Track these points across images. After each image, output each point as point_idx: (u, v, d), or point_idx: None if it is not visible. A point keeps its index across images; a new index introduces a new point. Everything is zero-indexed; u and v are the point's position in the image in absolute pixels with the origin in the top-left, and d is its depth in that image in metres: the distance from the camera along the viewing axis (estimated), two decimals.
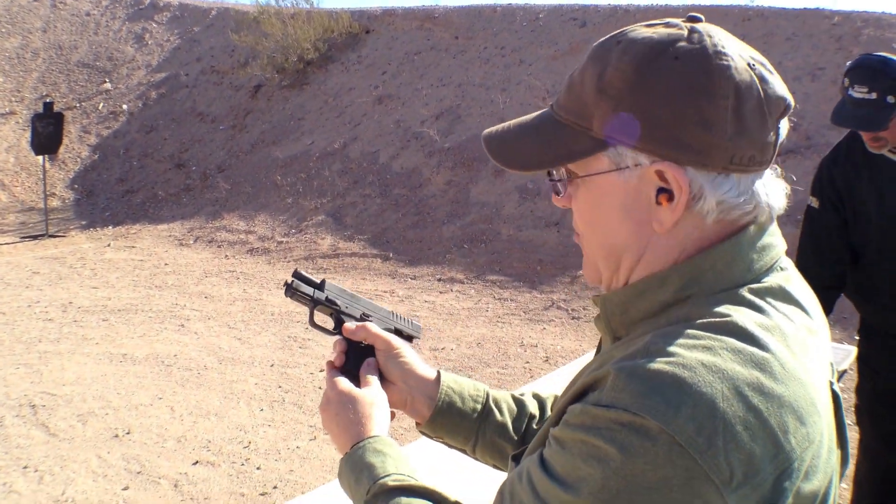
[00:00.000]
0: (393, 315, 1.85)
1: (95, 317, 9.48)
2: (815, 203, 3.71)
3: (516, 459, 1.40)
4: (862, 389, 3.85)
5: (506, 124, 1.37)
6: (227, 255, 12.01)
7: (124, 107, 18.22)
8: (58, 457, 5.95)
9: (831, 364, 1.31)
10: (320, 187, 13.15)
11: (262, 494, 5.43)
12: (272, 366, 7.71)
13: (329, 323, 1.81)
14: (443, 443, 1.76)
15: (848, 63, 3.50)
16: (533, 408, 1.78)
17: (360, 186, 12.78)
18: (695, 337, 1.10)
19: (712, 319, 1.12)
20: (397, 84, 14.72)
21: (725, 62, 1.15)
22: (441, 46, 15.06)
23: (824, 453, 1.13)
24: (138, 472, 5.74)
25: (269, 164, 14.46)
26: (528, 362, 7.40)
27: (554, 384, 3.41)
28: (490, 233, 10.70)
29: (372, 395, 1.64)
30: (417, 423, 1.75)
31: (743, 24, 12.14)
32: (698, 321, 1.13)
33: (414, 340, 1.85)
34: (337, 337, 1.75)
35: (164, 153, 16.49)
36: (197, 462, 5.88)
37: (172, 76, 18.53)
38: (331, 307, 1.80)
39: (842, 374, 4.37)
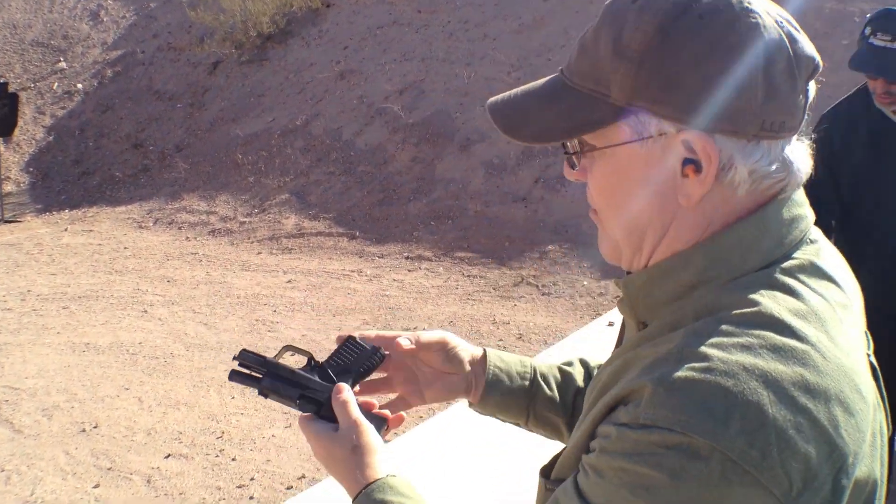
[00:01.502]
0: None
1: (55, 305, 9.25)
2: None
3: (545, 474, 1.28)
4: None
5: (511, 92, 1.27)
6: (188, 237, 11.77)
7: (79, 86, 17.84)
8: (24, 455, 5.78)
9: (866, 334, 1.24)
10: (283, 165, 12.94)
11: (238, 487, 5.29)
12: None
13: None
14: (496, 418, 1.71)
15: (869, 13, 3.54)
16: (580, 379, 1.72)
17: (323, 164, 12.58)
18: (730, 334, 1.02)
19: (745, 310, 1.04)
20: (359, 59, 14.51)
21: (754, 20, 1.07)
22: (404, 20, 14.84)
23: (869, 438, 1.07)
24: (108, 469, 5.58)
25: (230, 142, 14.22)
26: (501, 340, 7.30)
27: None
28: (457, 209, 10.57)
29: (346, 434, 1.46)
30: (470, 402, 1.69)
31: None
32: (730, 314, 1.04)
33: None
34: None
35: (121, 133, 16.16)
36: (169, 455, 5.72)
37: (128, 54, 18.15)
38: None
39: None
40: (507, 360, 1.68)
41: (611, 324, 3.53)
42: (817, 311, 1.06)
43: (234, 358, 1.54)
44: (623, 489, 0.99)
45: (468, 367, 1.64)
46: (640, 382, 1.02)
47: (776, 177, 1.11)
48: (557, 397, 1.67)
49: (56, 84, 18.09)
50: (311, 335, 7.84)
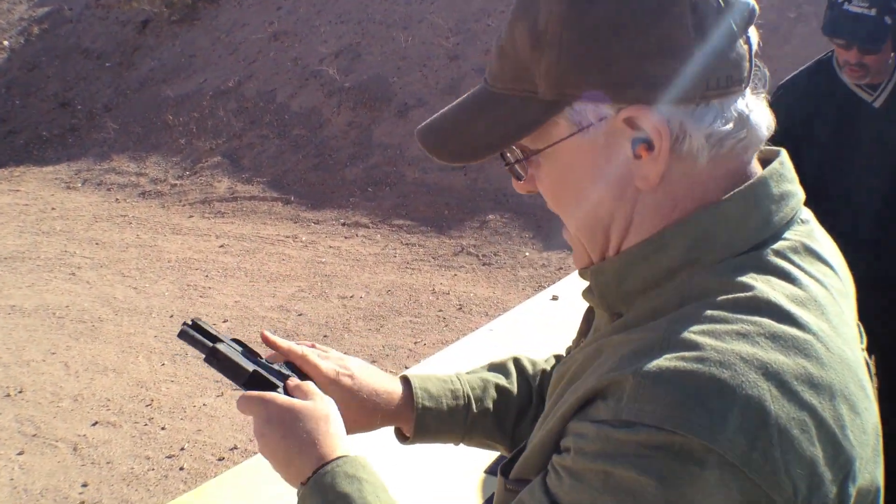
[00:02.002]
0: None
1: None
2: None
3: (505, 472, 1.13)
4: None
5: (438, 114, 1.15)
6: (117, 199, 11.47)
7: (5, 43, 17.31)
8: None
9: (858, 327, 1.12)
10: (215, 127, 12.66)
11: (168, 457, 5.14)
12: (171, 316, 7.36)
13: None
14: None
15: None
16: (519, 394, 1.57)
17: (256, 126, 12.32)
18: (723, 320, 0.91)
19: (737, 295, 0.93)
20: (293, 20, 14.24)
21: None
22: None
23: (872, 440, 0.96)
24: (33, 435, 5.39)
25: (160, 103, 13.87)
26: (441, 310, 7.19)
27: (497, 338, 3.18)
28: (395, 175, 10.40)
29: (322, 406, 1.32)
30: (402, 437, 1.52)
31: None
32: (720, 297, 0.93)
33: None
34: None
35: (48, 92, 15.71)
36: (96, 423, 5.55)
37: (55, 10, 17.64)
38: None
39: None
40: (432, 388, 1.52)
41: (555, 297, 3.43)
42: (817, 298, 0.97)
43: (186, 323, 1.40)
44: (605, 495, 0.87)
45: (368, 401, 1.46)
46: (622, 374, 0.90)
47: (735, 136, 1.00)
48: (495, 427, 1.55)
49: None
50: (244, 301, 7.66)
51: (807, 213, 1.08)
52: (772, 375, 0.86)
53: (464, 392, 1.53)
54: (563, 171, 1.05)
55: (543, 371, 1.61)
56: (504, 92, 1.05)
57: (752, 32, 1.02)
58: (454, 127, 1.11)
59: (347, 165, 10.85)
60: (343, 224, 9.63)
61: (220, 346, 1.37)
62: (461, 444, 1.56)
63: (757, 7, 1.01)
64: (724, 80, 0.97)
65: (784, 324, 0.90)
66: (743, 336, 0.88)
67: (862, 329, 1.14)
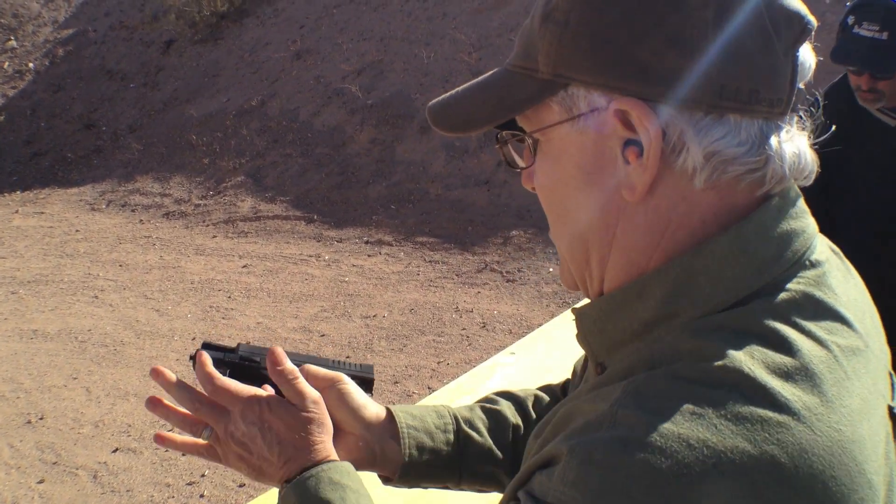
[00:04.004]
0: (336, 362, 1.43)
1: (3, 290, 8.96)
2: None
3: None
4: None
5: (456, 89, 1.07)
6: (141, 220, 11.46)
7: (31, 65, 17.42)
8: None
9: (890, 375, 0.97)
10: (238, 147, 12.65)
11: (189, 484, 5.08)
12: (193, 339, 7.31)
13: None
14: (420, 487, 1.41)
15: (851, 1, 3.14)
16: (510, 414, 1.45)
17: (280, 145, 12.31)
18: (679, 397, 0.77)
19: (704, 364, 0.79)
20: (316, 38, 14.24)
21: None
22: None
23: None
24: (54, 463, 5.35)
25: (184, 122, 13.90)
26: (464, 329, 7.10)
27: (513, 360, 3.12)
28: (418, 192, 10.34)
29: (315, 412, 1.26)
30: (385, 479, 1.38)
31: None
32: (688, 366, 0.80)
33: (371, 384, 1.45)
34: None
35: (73, 113, 15.78)
36: (117, 449, 5.50)
37: (80, 32, 17.74)
38: (251, 364, 1.40)
39: None
40: (418, 414, 1.40)
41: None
42: (809, 366, 0.81)
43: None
44: None
45: (365, 421, 1.34)
46: (562, 447, 0.80)
47: (746, 163, 0.86)
48: (492, 443, 1.41)
49: (7, 63, 17.68)
50: (266, 322, 7.61)
51: (820, 252, 0.93)
52: (726, 467, 0.72)
53: (449, 412, 1.43)
54: (554, 164, 0.96)
55: (536, 395, 1.50)
56: (513, 69, 0.98)
57: (806, 53, 0.89)
58: (458, 100, 1.04)
59: (370, 183, 10.81)
60: (366, 242, 9.57)
61: (235, 359, 1.39)
62: (458, 483, 1.42)
63: (815, 23, 0.88)
64: (747, 93, 0.84)
65: (754, 403, 0.76)
66: (698, 417, 0.75)
67: (893, 378, 0.99)
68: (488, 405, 1.47)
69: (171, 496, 4.96)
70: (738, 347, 0.80)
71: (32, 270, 9.62)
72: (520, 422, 1.45)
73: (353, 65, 13.11)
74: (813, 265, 0.90)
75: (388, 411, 1.37)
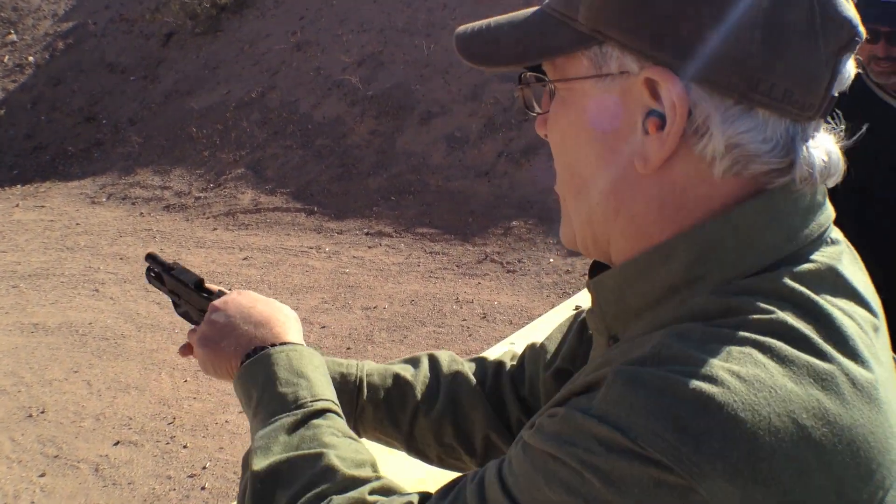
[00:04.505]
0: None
1: (4, 283, 8.96)
2: None
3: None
4: None
5: (489, 20, 1.05)
6: (142, 213, 11.46)
7: (31, 59, 17.41)
8: None
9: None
10: (238, 139, 12.64)
11: (190, 476, 5.08)
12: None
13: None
14: None
15: None
16: (420, 387, 1.45)
17: (280, 137, 12.30)
18: (726, 339, 0.76)
19: (744, 318, 0.79)
20: (316, 30, 14.22)
21: None
22: None
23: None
24: (55, 456, 5.35)
25: (184, 115, 13.89)
26: (465, 320, 7.10)
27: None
28: (418, 184, 10.33)
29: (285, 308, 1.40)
30: None
31: None
32: (725, 321, 0.79)
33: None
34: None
35: (74, 107, 15.77)
36: (118, 442, 5.50)
37: (80, 25, 17.72)
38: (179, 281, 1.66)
39: None
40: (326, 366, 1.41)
41: (577, 308, 3.34)
42: (841, 328, 0.81)
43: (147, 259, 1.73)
44: (541, 478, 0.77)
45: None
46: (603, 372, 0.80)
47: (769, 161, 0.85)
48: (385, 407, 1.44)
49: (7, 57, 17.66)
50: None
51: (838, 233, 0.93)
52: (775, 401, 0.73)
53: (356, 376, 1.44)
54: (569, 119, 0.95)
55: (458, 373, 1.47)
56: (550, 12, 0.95)
57: (848, 65, 0.87)
58: (490, 32, 1.01)
59: (371, 174, 10.80)
60: (367, 233, 9.56)
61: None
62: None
63: (864, 34, 0.86)
64: (781, 92, 0.83)
65: (799, 348, 0.77)
66: (746, 356, 0.75)
67: None
68: (404, 375, 1.48)
69: (173, 488, 4.97)
70: (773, 306, 0.80)
71: (33, 264, 9.62)
72: (427, 399, 1.45)
73: (353, 56, 13.09)
74: (833, 242, 0.91)
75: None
